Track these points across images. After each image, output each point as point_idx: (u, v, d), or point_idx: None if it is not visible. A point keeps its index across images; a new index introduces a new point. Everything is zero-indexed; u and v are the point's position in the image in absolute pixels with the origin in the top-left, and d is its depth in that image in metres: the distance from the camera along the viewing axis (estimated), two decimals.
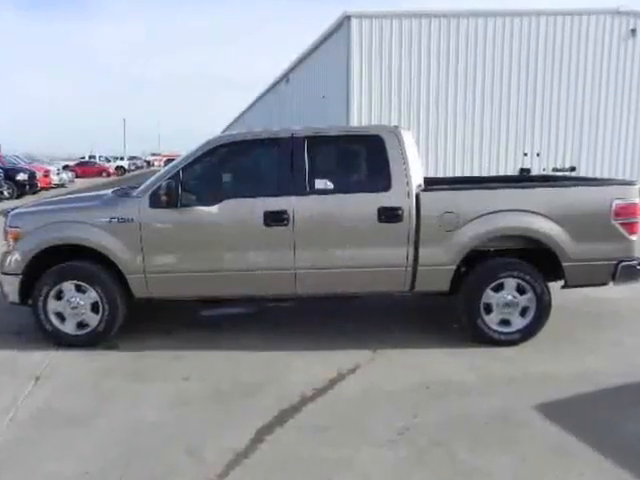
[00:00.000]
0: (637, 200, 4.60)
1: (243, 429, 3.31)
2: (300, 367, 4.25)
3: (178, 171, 4.62)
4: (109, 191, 5.31)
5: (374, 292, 4.94)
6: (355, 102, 13.92)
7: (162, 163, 52.94)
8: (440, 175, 13.29)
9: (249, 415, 3.49)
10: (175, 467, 2.96)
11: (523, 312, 4.60)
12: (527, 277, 4.53)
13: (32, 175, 21.10)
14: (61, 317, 4.67)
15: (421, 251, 4.52)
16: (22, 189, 20.11)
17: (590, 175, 13.85)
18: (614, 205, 4.52)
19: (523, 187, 5.04)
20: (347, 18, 13.73)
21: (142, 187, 4.73)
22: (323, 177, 4.63)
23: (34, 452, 3.12)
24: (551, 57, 14.41)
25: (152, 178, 4.81)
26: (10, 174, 19.84)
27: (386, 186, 4.55)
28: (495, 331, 4.59)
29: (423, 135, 14.06)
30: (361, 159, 5.05)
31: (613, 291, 5.28)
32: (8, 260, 4.69)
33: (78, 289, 4.63)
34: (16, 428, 3.39)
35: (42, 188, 22.38)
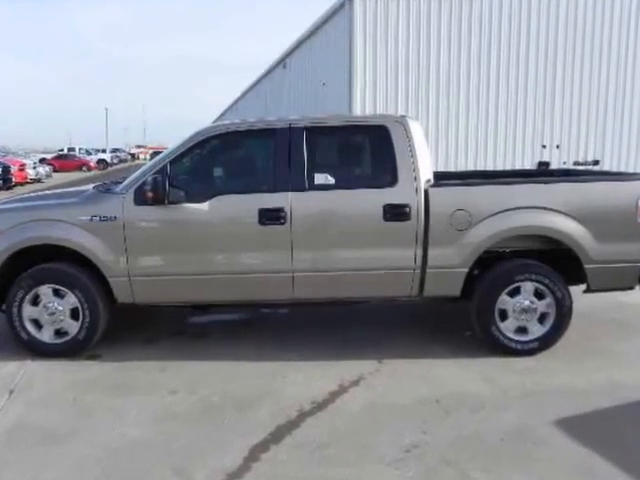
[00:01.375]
0: None
1: (236, 447, 3.31)
2: (298, 379, 4.25)
3: (165, 165, 4.62)
4: (90, 187, 5.31)
5: (379, 297, 4.94)
6: (358, 89, 13.91)
7: (148, 156, 52.95)
8: (451, 169, 13.28)
9: (242, 431, 3.49)
10: None
11: (542, 319, 4.60)
12: (546, 280, 4.53)
13: (6, 169, 21.17)
14: (38, 324, 4.67)
15: (430, 252, 4.52)
16: None
17: (615, 169, 13.85)
18: None
19: (542, 182, 5.03)
20: None
21: (126, 182, 4.74)
22: (323, 171, 4.63)
23: (6, 472, 3.11)
24: (572, 40, 14.38)
25: (137, 172, 4.82)
26: None
27: (392, 181, 4.55)
28: (511, 339, 4.59)
29: (432, 125, 14.05)
30: (365, 152, 5.05)
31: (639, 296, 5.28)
32: None
33: (56, 293, 4.63)
34: None
35: (17, 183, 22.47)
